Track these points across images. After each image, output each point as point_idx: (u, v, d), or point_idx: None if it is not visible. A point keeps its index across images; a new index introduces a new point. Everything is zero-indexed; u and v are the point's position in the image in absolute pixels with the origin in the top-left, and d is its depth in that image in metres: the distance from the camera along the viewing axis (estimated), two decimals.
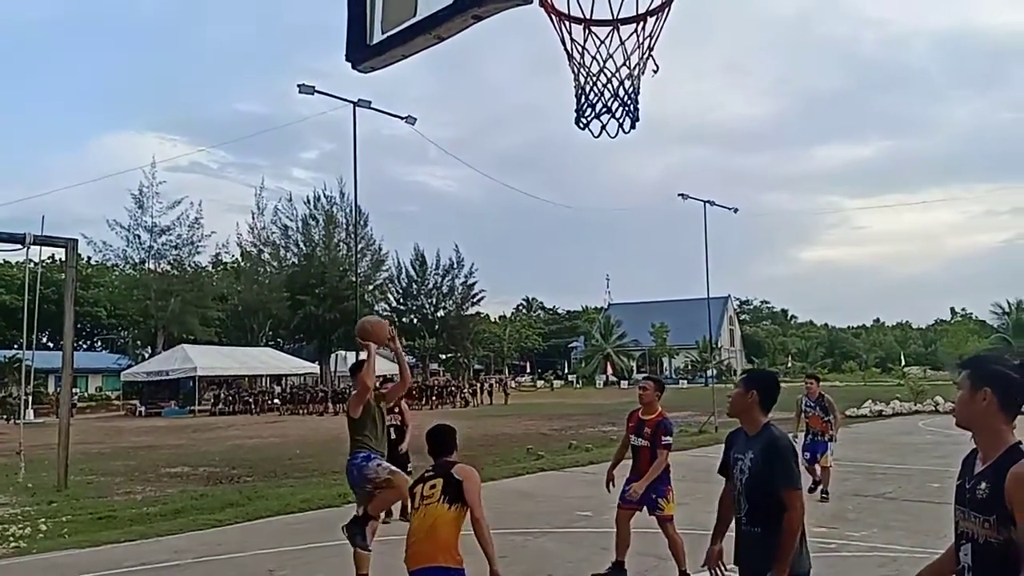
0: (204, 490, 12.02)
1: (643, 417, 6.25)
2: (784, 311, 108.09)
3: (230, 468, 14.82)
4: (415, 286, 58.38)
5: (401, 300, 58.34)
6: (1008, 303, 63.18)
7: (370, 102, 14.60)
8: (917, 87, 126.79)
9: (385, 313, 57.43)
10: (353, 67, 2.69)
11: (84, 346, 61.65)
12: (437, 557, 3.86)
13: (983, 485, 2.20)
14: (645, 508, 6.19)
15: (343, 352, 50.44)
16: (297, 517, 9.47)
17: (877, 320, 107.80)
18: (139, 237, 45.65)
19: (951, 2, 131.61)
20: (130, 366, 44.33)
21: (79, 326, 60.86)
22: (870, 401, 27.89)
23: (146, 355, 47.17)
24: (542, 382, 69.76)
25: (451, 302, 58.73)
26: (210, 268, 53.12)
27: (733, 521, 3.43)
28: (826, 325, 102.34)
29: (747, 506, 3.26)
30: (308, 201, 51.51)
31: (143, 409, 38.50)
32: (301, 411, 36.68)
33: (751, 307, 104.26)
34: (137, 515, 9.97)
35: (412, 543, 3.99)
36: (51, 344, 52.12)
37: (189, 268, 47.81)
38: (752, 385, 3.45)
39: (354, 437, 6.22)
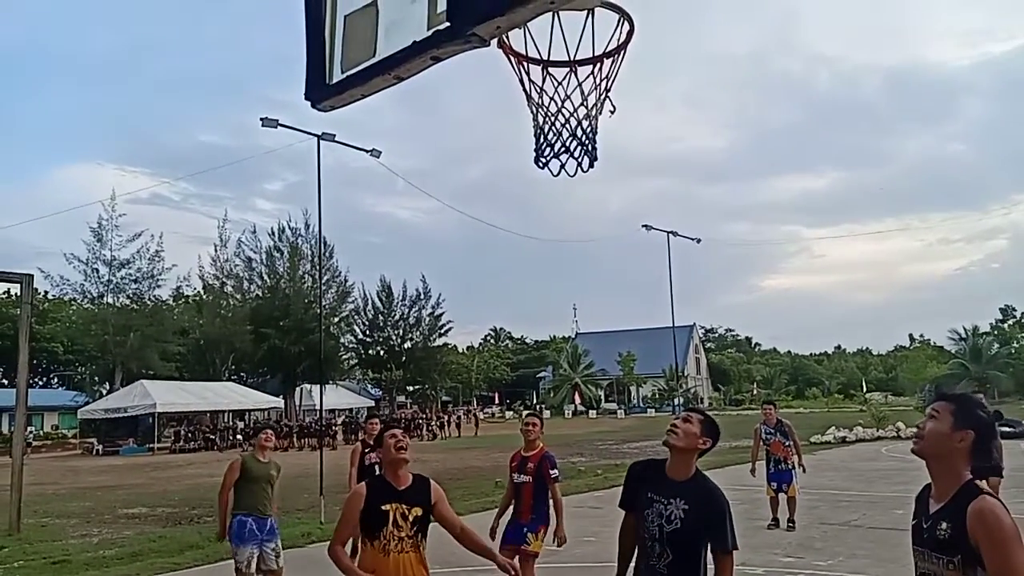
0: (163, 532, 11.69)
1: (525, 454, 6.18)
2: (748, 339, 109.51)
3: (190, 508, 14.43)
4: (381, 317, 57.99)
5: (367, 332, 57.86)
6: (964, 329, 64.72)
7: (335, 135, 14.58)
8: (869, 120, 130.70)
9: (351, 345, 56.97)
10: (312, 106, 2.69)
11: (40, 383, 59.95)
12: None
13: (944, 525, 2.16)
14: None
15: (308, 385, 49.76)
16: None
17: (838, 347, 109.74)
18: (97, 271, 44.75)
19: (901, 40, 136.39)
20: (87, 403, 43.14)
21: (35, 362, 59.24)
22: (833, 428, 28.24)
23: (104, 392, 45.99)
24: (511, 413, 69.43)
25: (418, 333, 58.41)
26: (171, 302, 52.22)
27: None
28: (789, 352, 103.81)
29: (669, 557, 3.01)
30: (272, 233, 51.18)
31: (100, 447, 37.47)
32: None
33: (716, 335, 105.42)
34: (93, 559, 9.66)
35: None
36: (5, 381, 50.67)
37: (149, 302, 46.88)
38: (710, 433, 3.18)
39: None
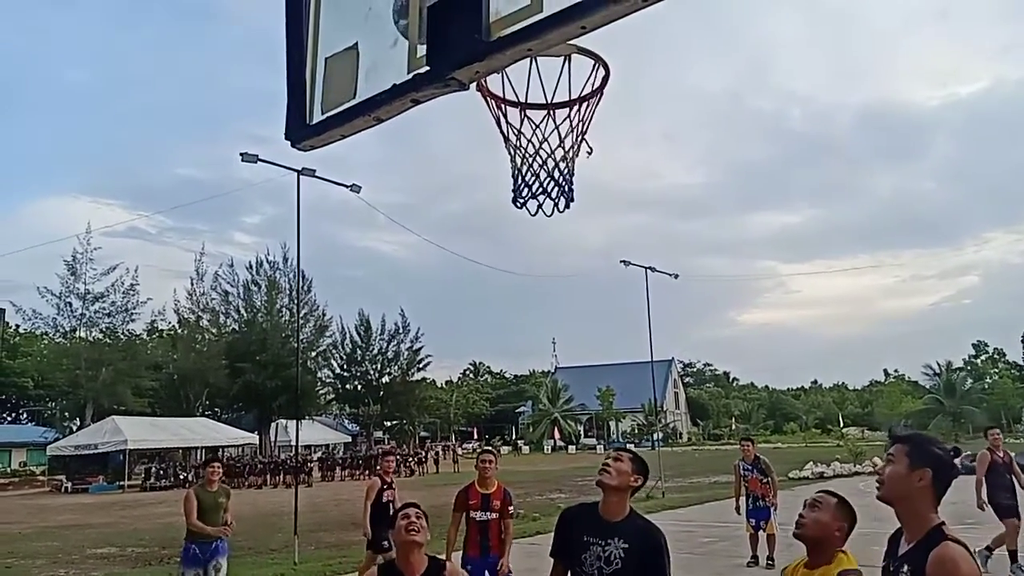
0: (132, 573, 11.41)
1: (485, 491, 6.24)
2: (726, 373, 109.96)
3: (160, 548, 14.07)
4: (359, 352, 57.60)
5: (345, 366, 57.39)
6: (938, 364, 65.49)
7: (314, 171, 14.58)
8: (842, 158, 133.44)
9: (328, 380, 56.44)
10: (293, 145, 2.71)
11: (8, 418, 58.67)
12: None
13: (905, 568, 2.16)
14: None
15: (283, 421, 49.11)
16: None
17: (815, 382, 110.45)
18: (70, 304, 44.12)
19: (873, 79, 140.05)
20: (57, 439, 42.21)
21: (3, 397, 58.00)
22: (811, 463, 28.30)
23: (74, 427, 45.06)
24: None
25: (396, 367, 58.05)
26: (145, 336, 51.55)
27: None
28: (767, 387, 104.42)
29: None
30: (250, 266, 50.86)
31: (69, 485, 36.55)
32: (238, 484, 35.33)
33: (694, 370, 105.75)
34: None
35: None
36: None
37: (123, 336, 46.27)
38: (640, 470, 3.14)
39: None
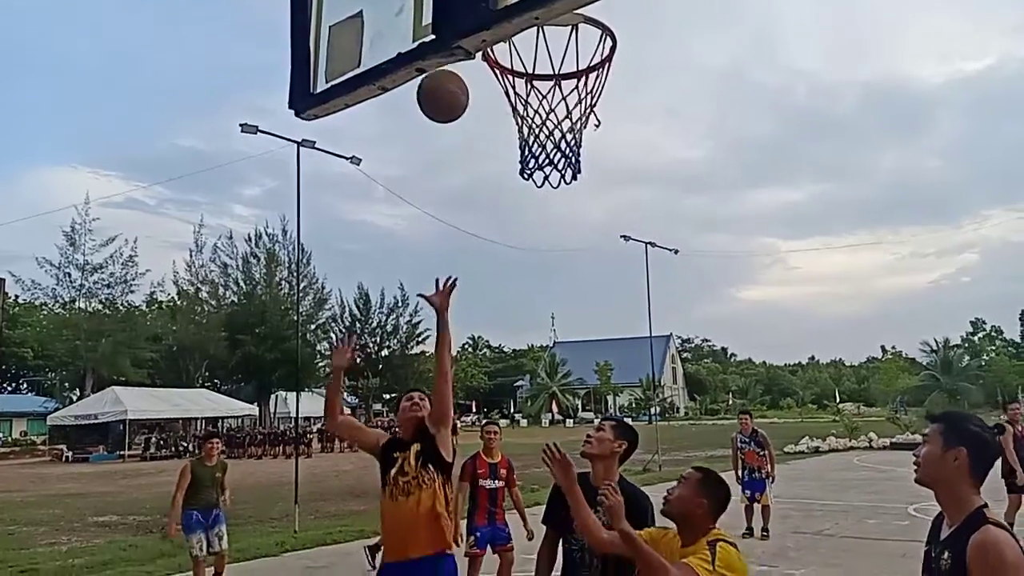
0: (134, 540, 11.52)
1: (492, 460, 6.58)
2: (724, 349, 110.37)
3: (161, 516, 14.16)
4: (359, 325, 57.59)
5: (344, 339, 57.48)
6: (936, 341, 65.64)
7: (314, 142, 14.48)
8: (846, 134, 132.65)
9: (327, 352, 56.55)
10: (297, 115, 2.70)
11: (8, 388, 58.93)
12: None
13: (946, 555, 2.05)
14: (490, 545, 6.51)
15: (283, 393, 49.29)
16: (231, 568, 9.10)
17: (812, 358, 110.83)
18: (70, 275, 44.10)
19: (879, 54, 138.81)
20: (57, 409, 42.42)
21: (3, 367, 58.19)
22: (807, 438, 28.51)
23: (74, 398, 45.25)
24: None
25: (395, 341, 58.14)
26: (144, 307, 51.55)
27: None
28: (764, 363, 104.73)
29: (602, 565, 2.99)
30: (249, 239, 50.68)
31: (70, 454, 36.79)
32: (238, 454, 35.58)
33: (692, 345, 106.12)
34: (62, 568, 9.49)
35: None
36: None
37: (122, 307, 46.28)
38: (623, 435, 3.19)
39: None
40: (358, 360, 56.94)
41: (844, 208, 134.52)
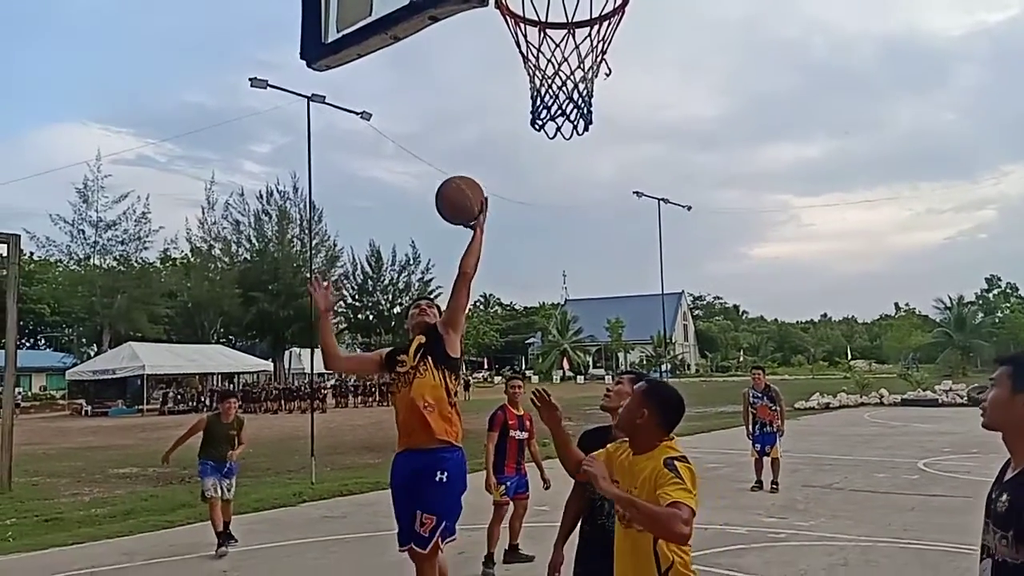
0: (154, 491, 11.79)
1: (519, 412, 6.80)
2: (736, 307, 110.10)
3: (181, 468, 14.44)
4: (371, 282, 57.80)
5: (356, 296, 57.75)
6: (950, 298, 65.14)
7: (324, 97, 14.37)
8: (863, 88, 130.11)
9: (340, 309, 56.93)
10: (308, 65, 2.68)
11: (27, 344, 59.74)
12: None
13: (1004, 497, 2.01)
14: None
15: (297, 349, 49.76)
16: (251, 517, 9.35)
17: (824, 315, 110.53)
18: (83, 232, 44.37)
19: (897, 7, 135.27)
20: (75, 365, 43.08)
21: (21, 323, 58.90)
22: (818, 394, 28.60)
23: (92, 353, 45.90)
24: (499, 378, 69.82)
25: (407, 298, 58.36)
26: (158, 264, 51.88)
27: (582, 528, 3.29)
28: (776, 320, 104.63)
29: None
30: (261, 196, 50.69)
31: (89, 409, 37.48)
32: (254, 409, 36.15)
33: (704, 303, 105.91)
34: (85, 517, 9.74)
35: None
36: None
37: (136, 264, 46.63)
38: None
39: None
40: (343, 297, 56.94)
41: (859, 164, 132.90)
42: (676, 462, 2.43)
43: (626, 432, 2.64)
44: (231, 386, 41.79)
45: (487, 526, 6.55)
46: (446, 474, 3.80)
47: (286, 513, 9.75)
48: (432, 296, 60.44)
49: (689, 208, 25.93)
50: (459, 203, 3.84)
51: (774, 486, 10.19)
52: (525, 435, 6.80)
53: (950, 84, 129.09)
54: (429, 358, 3.85)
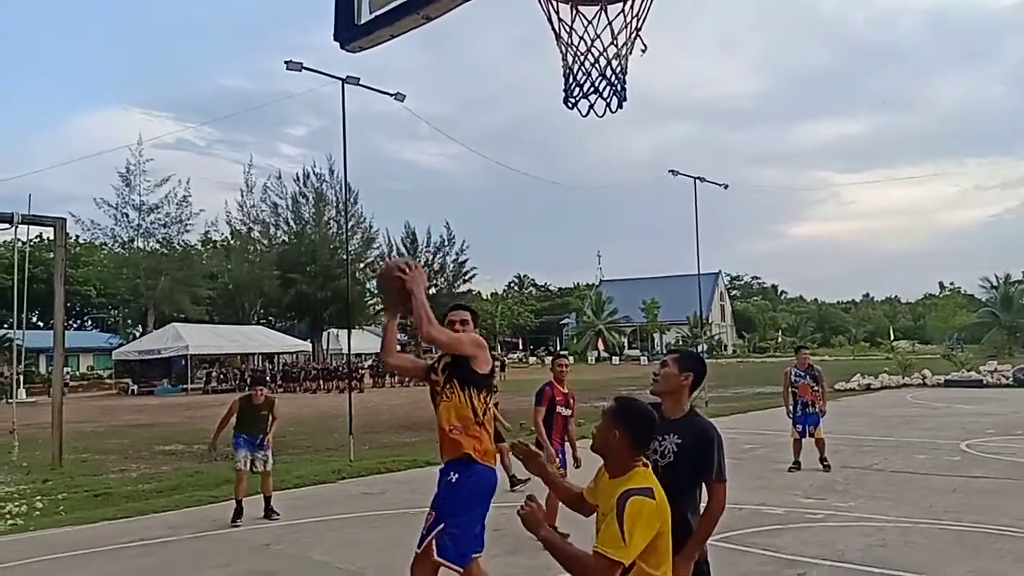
0: (199, 467, 12.09)
1: (564, 390, 7.12)
2: (774, 287, 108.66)
3: (225, 446, 14.82)
4: None
5: None
6: (996, 277, 63.38)
7: (359, 79, 14.43)
8: (906, 63, 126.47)
9: (376, 291, 57.44)
10: (341, 47, 2.70)
11: (74, 325, 61.37)
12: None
13: None
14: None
15: (335, 330, 50.37)
16: (292, 493, 9.56)
17: (866, 295, 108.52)
18: (127, 215, 45.37)
19: None
20: (121, 345, 44.23)
21: (68, 305, 60.45)
22: (859, 375, 28.15)
23: (137, 334, 47.03)
24: (534, 359, 69.99)
25: (442, 280, 58.62)
26: (199, 246, 52.81)
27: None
28: (816, 300, 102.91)
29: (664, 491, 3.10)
30: (297, 179, 51.19)
31: (135, 388, 38.51)
32: (293, 388, 36.79)
33: (742, 283, 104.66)
34: (133, 492, 10.05)
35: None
36: (41, 323, 51.89)
37: (178, 246, 47.56)
38: (688, 367, 3.32)
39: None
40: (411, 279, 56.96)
41: (903, 140, 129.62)
42: (631, 498, 2.38)
43: (601, 454, 2.63)
44: (271, 366, 42.56)
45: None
46: (457, 476, 3.80)
47: (326, 489, 9.95)
48: (468, 276, 60.63)
49: (726, 187, 25.49)
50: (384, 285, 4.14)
51: (825, 464, 10.13)
52: (569, 412, 7.03)
53: (997, 56, 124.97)
54: (455, 380, 3.89)
